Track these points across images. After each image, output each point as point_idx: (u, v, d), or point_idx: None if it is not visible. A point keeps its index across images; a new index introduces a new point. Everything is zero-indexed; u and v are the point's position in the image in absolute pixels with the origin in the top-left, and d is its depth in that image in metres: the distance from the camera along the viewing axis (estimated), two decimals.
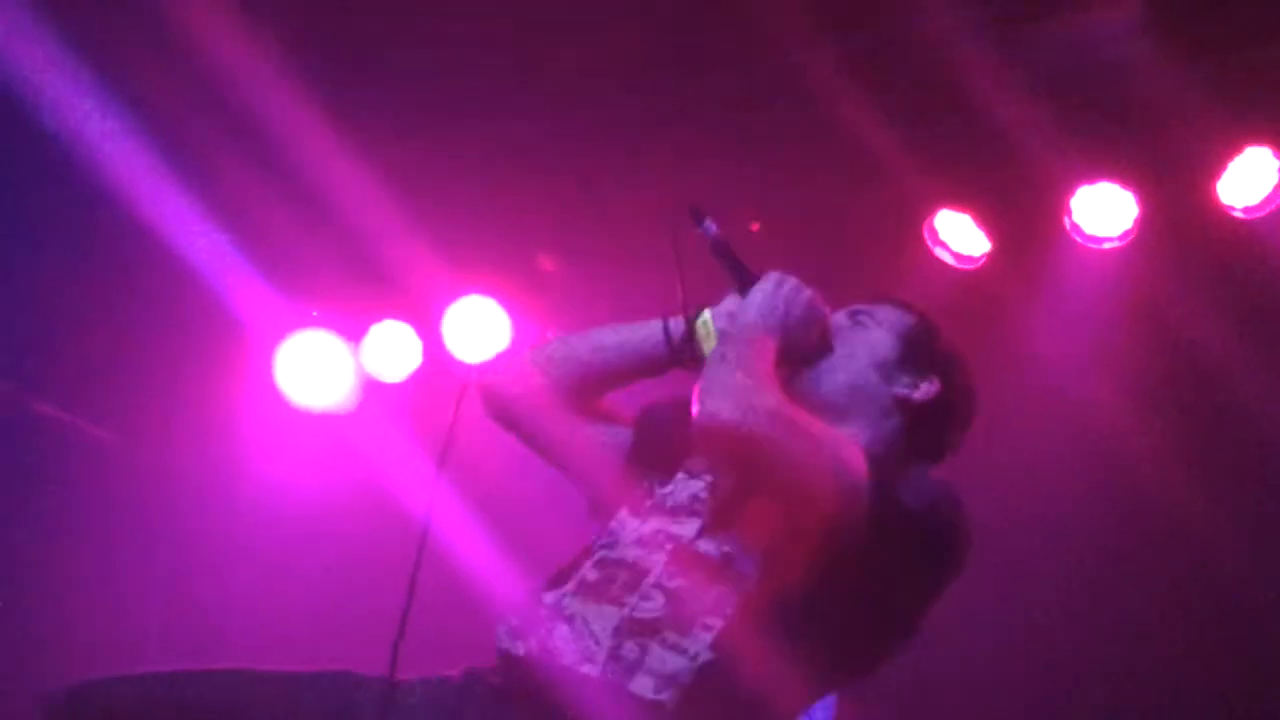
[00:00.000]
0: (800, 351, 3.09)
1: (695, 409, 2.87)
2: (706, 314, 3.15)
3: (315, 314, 6.58)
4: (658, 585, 2.91)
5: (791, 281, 3.11)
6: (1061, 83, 5.57)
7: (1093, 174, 5.90)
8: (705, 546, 2.94)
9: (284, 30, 5.38)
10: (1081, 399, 6.24)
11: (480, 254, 6.28)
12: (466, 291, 6.34)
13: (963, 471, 6.19)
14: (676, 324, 3.17)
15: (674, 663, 2.83)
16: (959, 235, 6.14)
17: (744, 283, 3.14)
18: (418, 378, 6.50)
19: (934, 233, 6.13)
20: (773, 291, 3.07)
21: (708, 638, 2.85)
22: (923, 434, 3.19)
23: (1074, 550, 6.39)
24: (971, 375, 3.31)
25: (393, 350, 6.55)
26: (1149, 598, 6.27)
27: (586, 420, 3.22)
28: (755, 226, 6.18)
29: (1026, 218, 6.10)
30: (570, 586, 2.98)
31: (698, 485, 3.06)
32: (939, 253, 6.14)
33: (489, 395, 3.24)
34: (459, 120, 5.82)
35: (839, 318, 3.23)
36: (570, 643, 2.87)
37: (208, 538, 6.29)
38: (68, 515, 6.45)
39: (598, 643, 2.87)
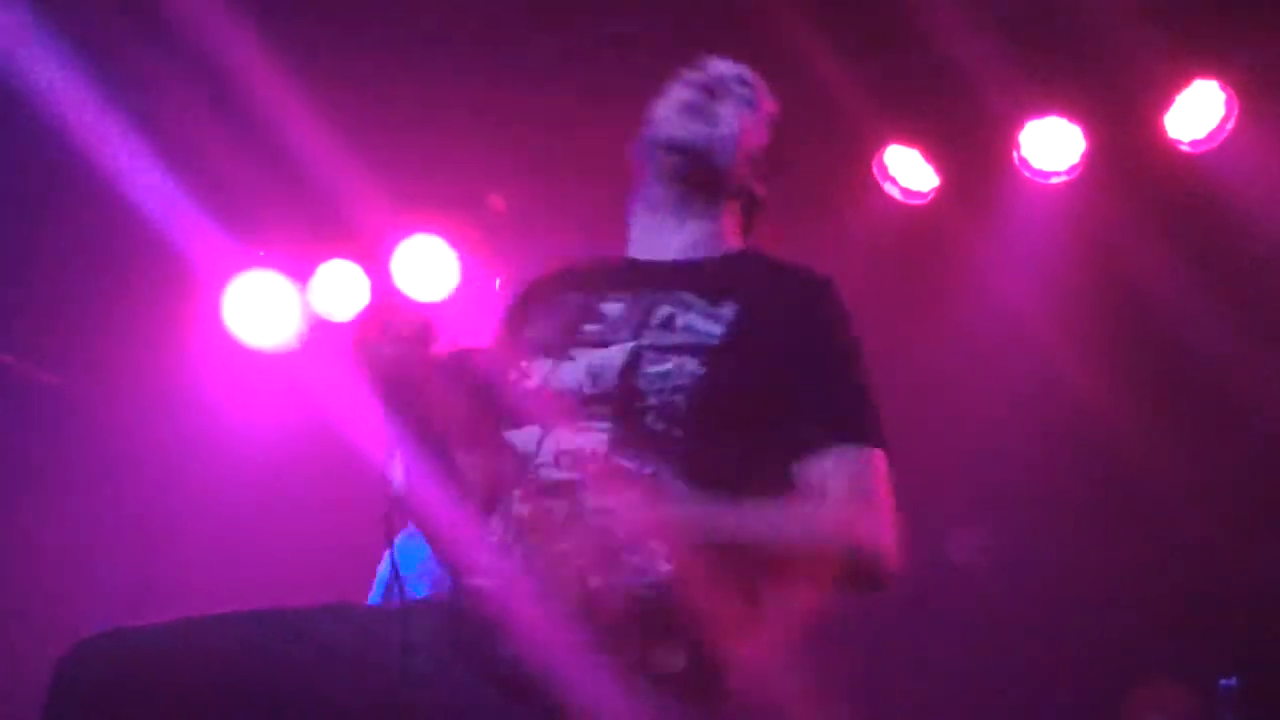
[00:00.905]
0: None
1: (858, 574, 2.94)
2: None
3: (263, 253, 6.55)
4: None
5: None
6: (1010, 17, 5.57)
7: (1041, 108, 5.91)
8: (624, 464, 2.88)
9: None
10: (1030, 334, 6.27)
11: (429, 192, 6.26)
12: (415, 230, 6.32)
13: (911, 408, 6.27)
14: None
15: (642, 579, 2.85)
16: (908, 170, 6.16)
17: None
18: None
19: (883, 168, 6.15)
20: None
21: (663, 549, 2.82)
22: None
23: (1021, 485, 6.44)
24: None
25: (341, 289, 6.52)
26: (1099, 539, 6.33)
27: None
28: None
29: (975, 153, 6.12)
30: (511, 524, 2.95)
31: (573, 372, 2.99)
32: (888, 188, 6.16)
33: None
34: (408, 57, 5.79)
35: None
36: (536, 571, 2.87)
37: (159, 478, 6.28)
38: (17, 460, 6.42)
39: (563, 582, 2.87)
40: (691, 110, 3.21)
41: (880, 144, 6.11)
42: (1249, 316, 6.12)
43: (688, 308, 2.98)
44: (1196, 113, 5.82)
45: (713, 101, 3.24)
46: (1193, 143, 5.85)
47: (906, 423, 6.19)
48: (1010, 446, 6.40)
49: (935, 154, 6.13)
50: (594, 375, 2.96)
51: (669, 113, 3.20)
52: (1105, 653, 6.19)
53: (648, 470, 2.87)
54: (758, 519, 2.86)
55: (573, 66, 5.88)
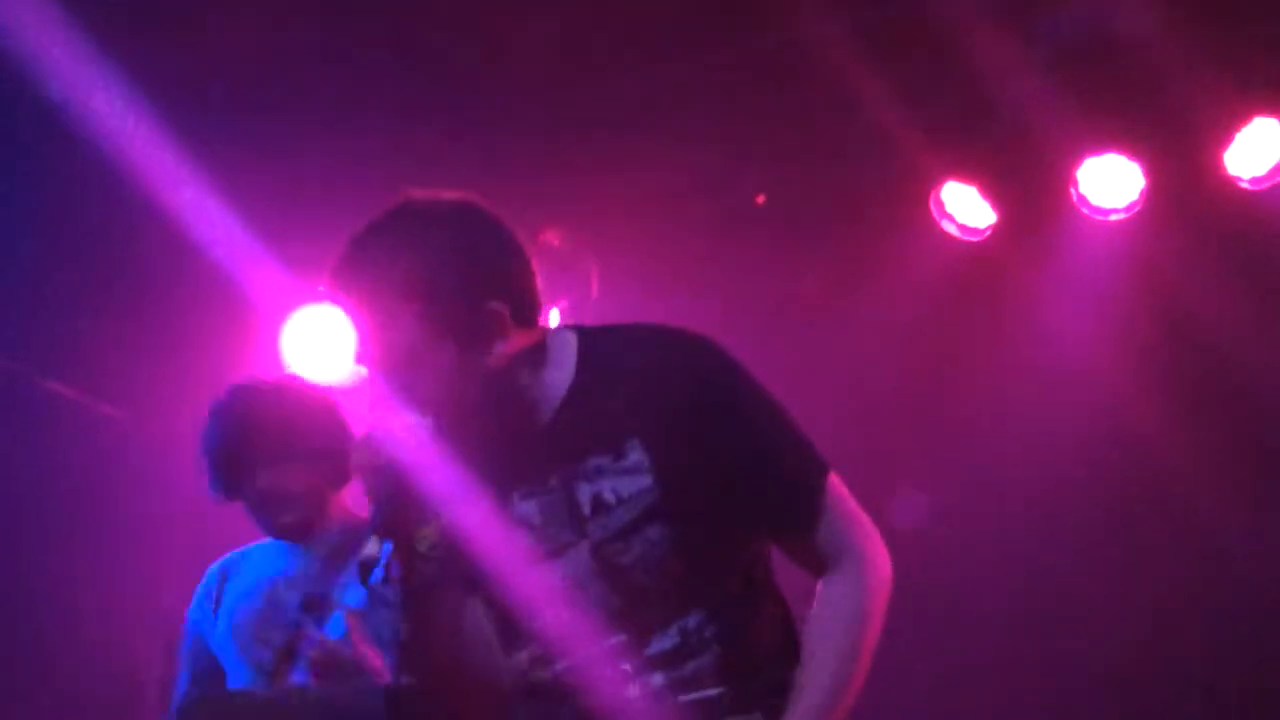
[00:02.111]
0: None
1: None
2: None
3: (322, 289, 6.56)
4: (647, 677, 2.87)
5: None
6: (1069, 54, 5.57)
7: (1099, 145, 5.90)
8: (656, 646, 2.88)
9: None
10: (1087, 371, 6.25)
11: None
12: None
13: (969, 444, 6.25)
14: None
15: (706, 693, 2.85)
16: (965, 207, 6.14)
17: None
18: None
19: (940, 205, 6.14)
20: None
21: (713, 660, 2.87)
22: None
23: (1081, 522, 6.40)
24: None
25: None
26: (1155, 571, 6.29)
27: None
28: (761, 199, 6.19)
29: (1033, 189, 6.10)
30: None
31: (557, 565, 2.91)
32: (945, 225, 6.15)
33: None
34: (464, 94, 5.82)
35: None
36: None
37: (218, 512, 6.30)
38: (78, 493, 6.46)
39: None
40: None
41: (938, 181, 6.10)
42: None
43: (602, 475, 2.83)
44: (1256, 150, 5.79)
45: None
46: (1252, 180, 5.83)
47: (965, 459, 6.23)
48: (1069, 482, 6.36)
49: (993, 191, 6.12)
50: (578, 588, 2.88)
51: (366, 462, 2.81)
52: (1165, 678, 6.17)
53: (672, 634, 2.86)
54: (833, 665, 2.85)
55: (631, 109, 5.89)
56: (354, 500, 4.32)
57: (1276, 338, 5.99)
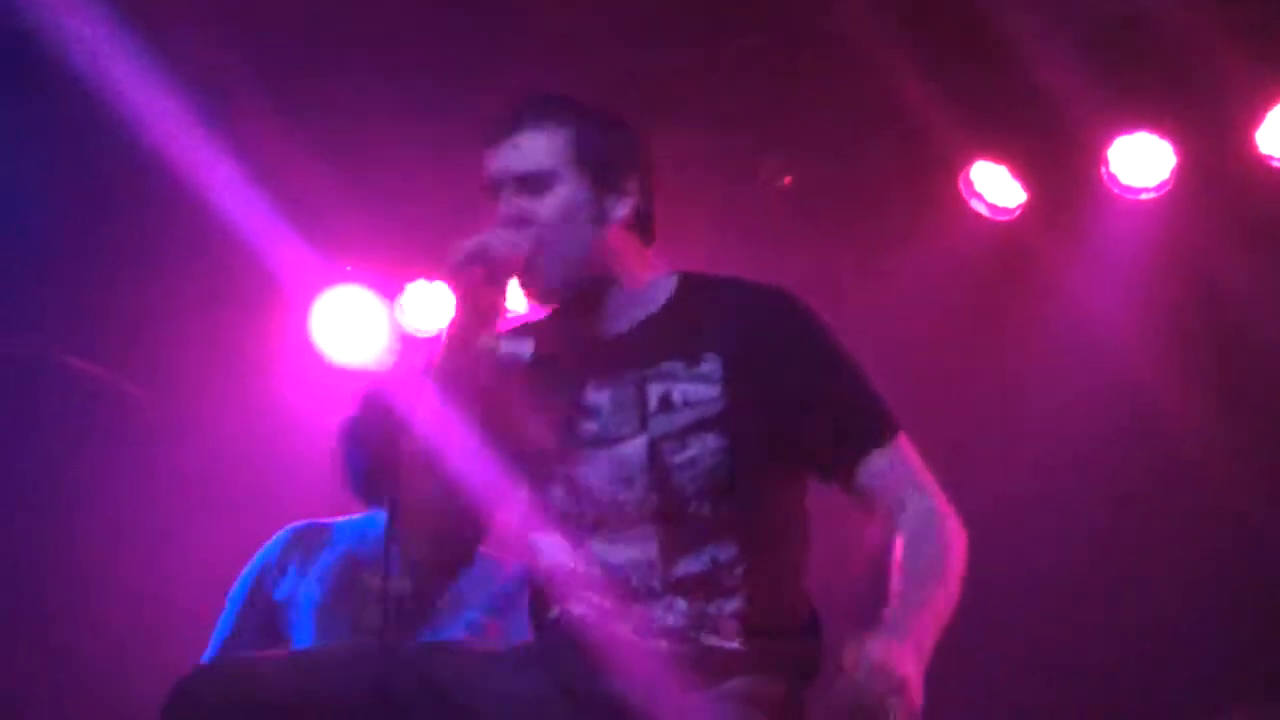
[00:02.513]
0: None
1: None
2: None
3: (350, 270, 6.58)
4: (669, 611, 2.93)
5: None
6: (1099, 32, 5.54)
7: (1130, 124, 5.86)
8: (683, 568, 2.93)
9: None
10: (1118, 351, 6.22)
11: None
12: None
13: (998, 425, 6.23)
14: None
15: (727, 645, 2.89)
16: (995, 187, 6.12)
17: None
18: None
19: (970, 184, 6.11)
20: None
21: (735, 628, 2.91)
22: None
23: (1109, 504, 6.38)
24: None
25: (430, 307, 6.55)
26: (1184, 554, 6.27)
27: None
28: (788, 180, 6.17)
29: (1063, 169, 6.07)
30: (592, 600, 2.97)
31: (604, 469, 2.99)
32: (975, 204, 6.13)
33: None
34: (503, 73, 5.81)
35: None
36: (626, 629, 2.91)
37: (246, 493, 6.31)
38: (102, 472, 6.48)
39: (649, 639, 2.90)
40: (514, 229, 2.99)
41: (967, 160, 6.08)
42: None
43: (674, 379, 2.95)
44: None
45: (519, 194, 3.01)
46: None
47: (994, 437, 6.22)
48: (1097, 463, 6.34)
49: (1023, 170, 6.09)
50: (623, 480, 2.96)
51: (502, 251, 2.96)
52: (1196, 664, 6.15)
53: (704, 558, 2.90)
54: (926, 598, 2.88)
55: (655, 88, 5.87)
56: None
57: None
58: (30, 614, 6.33)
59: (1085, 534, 6.40)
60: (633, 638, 2.88)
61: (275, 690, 2.90)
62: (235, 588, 4.55)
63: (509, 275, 2.96)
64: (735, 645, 2.87)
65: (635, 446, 2.93)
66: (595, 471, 2.96)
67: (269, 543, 4.58)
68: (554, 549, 3.00)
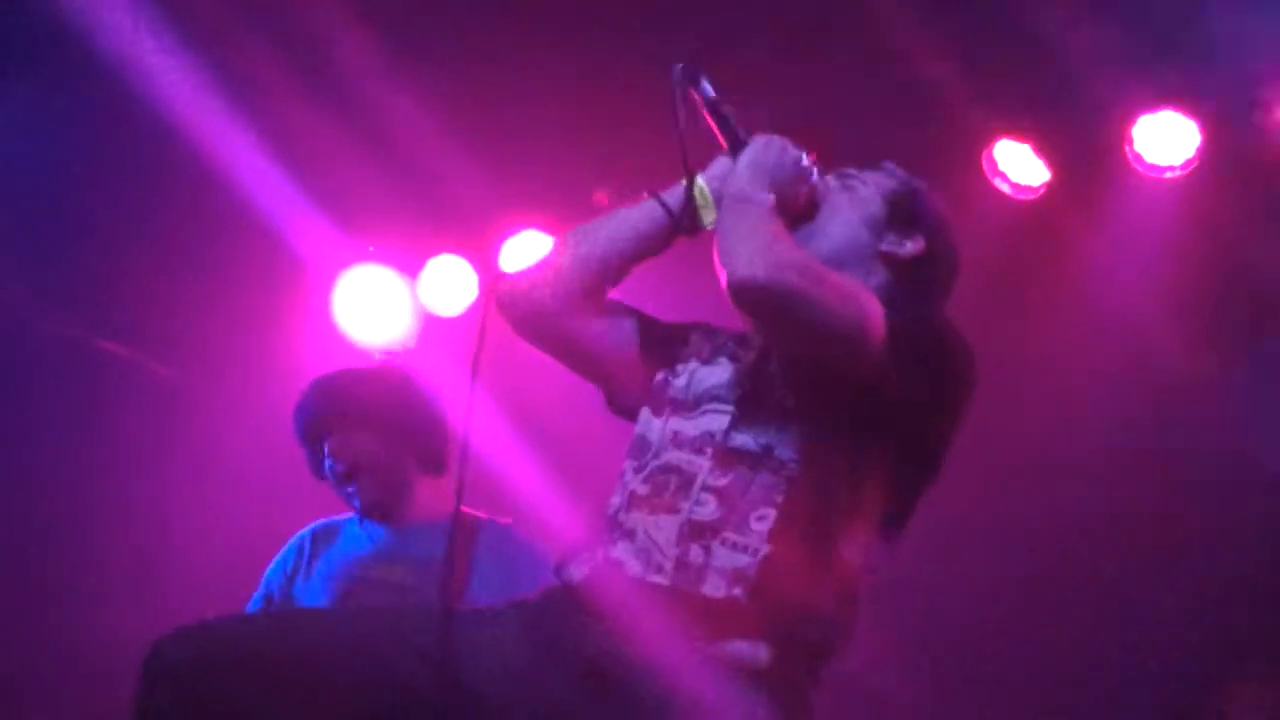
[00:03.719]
0: (790, 210, 3.15)
1: (724, 273, 2.93)
2: (700, 180, 3.20)
3: (372, 249, 6.58)
4: (707, 487, 2.97)
5: (780, 141, 3.18)
6: (1123, 7, 5.50)
7: (1154, 102, 5.83)
8: (741, 440, 3.01)
9: None
10: (1143, 329, 6.20)
11: (538, 188, 6.26)
12: (523, 226, 6.33)
13: (1022, 404, 6.21)
14: (673, 194, 3.22)
15: (739, 560, 2.91)
16: (1018, 165, 6.09)
17: (735, 144, 3.20)
18: (475, 312, 6.50)
19: (993, 163, 6.09)
20: (762, 151, 3.15)
21: (764, 530, 2.93)
22: (908, 289, 3.22)
23: (1135, 481, 6.37)
24: (956, 238, 3.35)
25: (450, 285, 6.54)
26: (1212, 530, 6.25)
27: (595, 318, 3.27)
28: (812, 157, 6.15)
29: (1087, 147, 6.04)
30: (621, 501, 3.03)
31: (716, 374, 3.13)
32: (998, 183, 6.10)
33: (502, 305, 3.29)
34: (518, 53, 5.80)
35: (829, 180, 3.30)
36: (634, 555, 2.94)
37: (267, 473, 6.33)
38: (129, 451, 6.50)
39: (662, 552, 2.94)
40: None
41: (990, 139, 6.05)
42: None
43: None
44: None
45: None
46: None
47: (1018, 416, 6.20)
48: (1121, 443, 6.33)
49: (1046, 149, 6.06)
50: (737, 377, 3.10)
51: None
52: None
53: (763, 441, 2.95)
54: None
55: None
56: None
57: None
58: (59, 592, 6.36)
59: (1107, 512, 6.38)
60: (634, 587, 2.90)
61: (254, 648, 2.95)
62: (257, 591, 4.56)
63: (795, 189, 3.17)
64: (738, 594, 2.87)
65: (754, 353, 3.12)
66: (717, 371, 3.13)
67: (287, 545, 4.58)
68: (643, 422, 3.16)
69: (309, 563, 4.49)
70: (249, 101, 5.66)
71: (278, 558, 4.56)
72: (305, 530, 4.60)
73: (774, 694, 2.91)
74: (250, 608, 4.51)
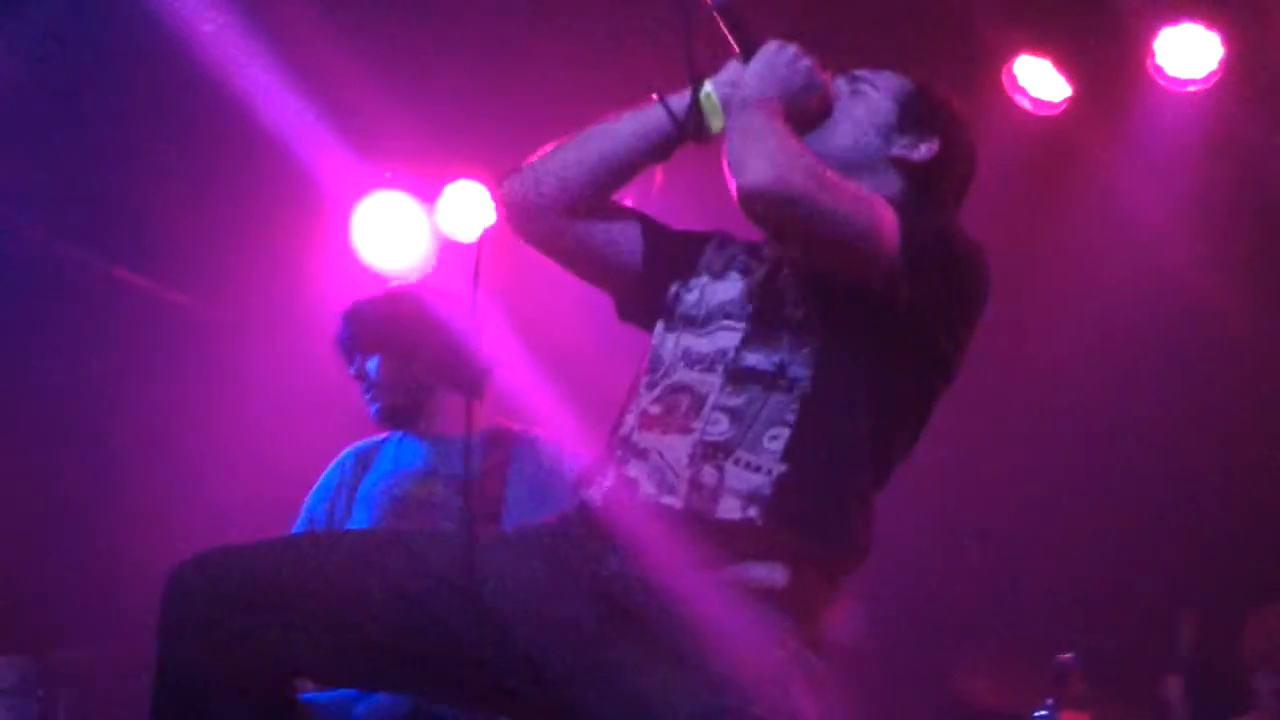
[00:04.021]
0: (801, 116, 3.09)
1: (733, 180, 2.88)
2: (708, 85, 3.14)
3: (389, 175, 6.57)
4: (719, 406, 2.95)
5: (791, 48, 3.12)
6: None
7: (1176, 15, 5.77)
8: (753, 359, 2.98)
9: None
10: (1165, 246, 6.17)
11: (557, 112, 6.21)
12: (542, 150, 6.28)
13: (1043, 318, 6.20)
14: (679, 99, 3.16)
15: (752, 480, 2.88)
16: (1039, 81, 6.04)
17: (747, 49, 3.14)
18: (496, 233, 6.47)
19: (1013, 79, 6.04)
20: (773, 57, 3.08)
21: (778, 449, 2.90)
22: (923, 193, 3.17)
23: (1157, 404, 6.35)
24: (971, 136, 3.28)
25: (468, 210, 6.53)
26: (1229, 454, 6.24)
27: (600, 222, 3.23)
28: (828, 75, 6.11)
29: (1108, 61, 5.99)
30: (635, 420, 3.01)
31: (727, 289, 3.11)
32: (1018, 99, 6.05)
33: (504, 210, 3.27)
34: None
35: (839, 83, 3.23)
36: (648, 476, 2.92)
37: (289, 399, 6.34)
38: (149, 380, 6.51)
39: (675, 473, 2.92)
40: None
41: (1010, 54, 6.00)
42: None
43: None
44: None
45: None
46: None
47: (1039, 330, 6.19)
48: (1141, 356, 6.31)
49: (1067, 64, 6.01)
50: (748, 292, 3.08)
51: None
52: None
53: (775, 360, 2.94)
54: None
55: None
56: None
57: None
58: (82, 518, 6.39)
59: (1130, 426, 6.38)
60: (648, 509, 2.89)
61: (274, 574, 2.94)
62: (299, 517, 4.61)
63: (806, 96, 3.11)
64: (753, 514, 2.87)
65: (764, 266, 3.11)
66: (728, 286, 3.11)
67: (328, 469, 4.64)
68: (657, 336, 3.14)
69: (351, 485, 4.54)
70: (267, 29, 5.64)
71: (319, 483, 4.62)
72: (347, 452, 4.67)
73: (789, 614, 2.89)
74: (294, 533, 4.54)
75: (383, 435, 4.67)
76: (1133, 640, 6.11)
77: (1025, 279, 6.14)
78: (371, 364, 4.62)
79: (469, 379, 4.36)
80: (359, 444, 4.68)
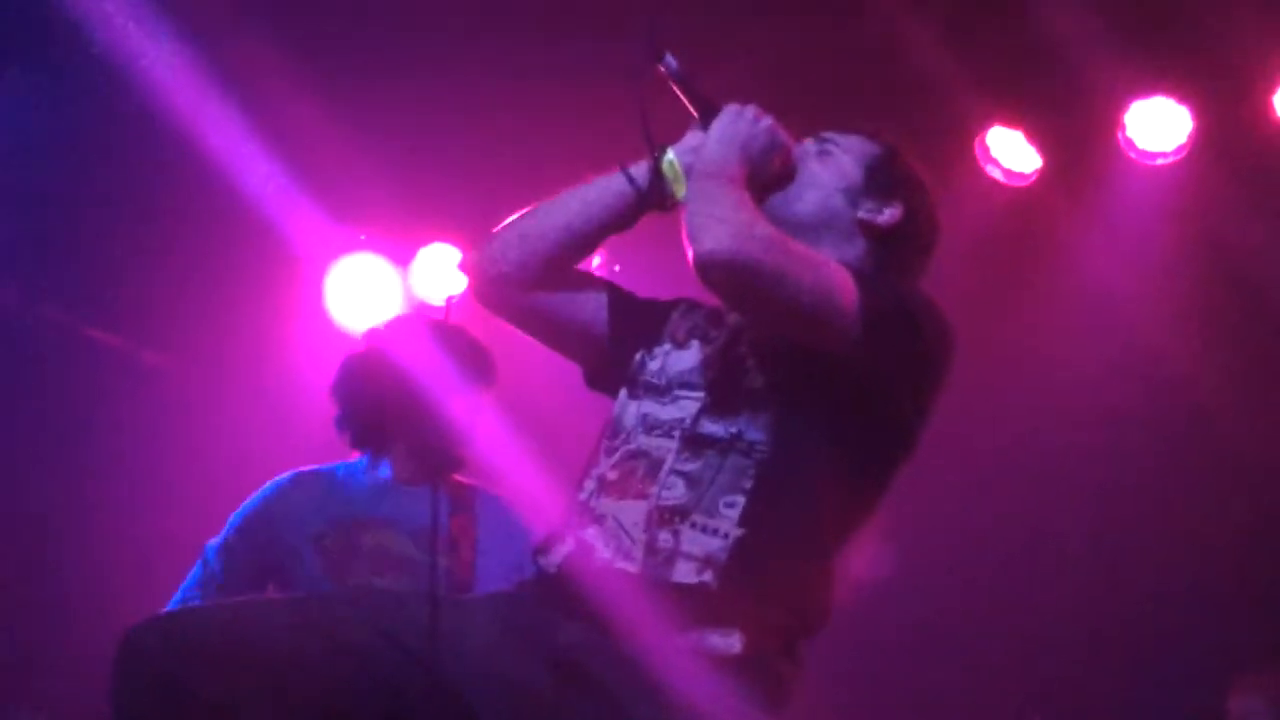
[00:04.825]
0: (764, 178, 3.10)
1: (690, 248, 2.87)
2: (670, 153, 3.13)
3: (364, 237, 6.58)
4: (674, 471, 2.94)
5: (751, 110, 3.11)
6: None
7: (1146, 88, 5.83)
8: (710, 428, 2.97)
9: None
10: (1135, 317, 6.20)
11: (532, 175, 6.23)
12: (505, 220, 6.29)
13: (1014, 391, 6.22)
14: (639, 168, 3.15)
15: (708, 544, 2.87)
16: (1010, 152, 6.09)
17: (706, 115, 3.13)
18: (466, 301, 6.48)
19: (985, 150, 6.08)
20: (733, 121, 3.08)
21: (734, 515, 2.89)
22: (886, 258, 3.16)
23: (1126, 468, 6.37)
24: (935, 202, 3.27)
25: (441, 273, 6.54)
26: (1198, 520, 6.26)
27: (562, 292, 3.22)
28: (793, 137, 6.14)
29: (1079, 134, 6.04)
30: (594, 486, 3.01)
31: (688, 358, 3.10)
32: (990, 170, 6.09)
33: (470, 281, 3.28)
34: (510, 46, 5.79)
35: (806, 145, 3.23)
36: (605, 541, 2.91)
37: (261, 461, 6.32)
38: (123, 441, 6.49)
39: (631, 538, 2.91)
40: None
41: (983, 125, 6.05)
42: None
43: None
44: None
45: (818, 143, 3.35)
46: None
47: (1010, 403, 6.21)
48: (1113, 429, 6.33)
49: (1038, 135, 6.06)
50: (707, 360, 3.07)
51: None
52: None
53: (733, 429, 2.94)
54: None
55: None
56: None
57: None
58: (45, 579, 6.35)
59: (1099, 505, 6.39)
60: (606, 575, 2.87)
61: (229, 637, 2.88)
62: (222, 535, 4.46)
63: (768, 158, 3.11)
64: (708, 579, 2.85)
65: (724, 332, 3.09)
66: (689, 355, 3.10)
67: (267, 487, 4.50)
68: (619, 403, 3.13)
69: (301, 509, 4.41)
70: (241, 91, 5.65)
71: (258, 497, 4.45)
72: (288, 475, 4.51)
73: (749, 681, 2.87)
74: (211, 551, 4.43)
75: (329, 465, 4.56)
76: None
77: (996, 348, 6.18)
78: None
79: (434, 446, 4.27)
80: (303, 470, 4.55)
